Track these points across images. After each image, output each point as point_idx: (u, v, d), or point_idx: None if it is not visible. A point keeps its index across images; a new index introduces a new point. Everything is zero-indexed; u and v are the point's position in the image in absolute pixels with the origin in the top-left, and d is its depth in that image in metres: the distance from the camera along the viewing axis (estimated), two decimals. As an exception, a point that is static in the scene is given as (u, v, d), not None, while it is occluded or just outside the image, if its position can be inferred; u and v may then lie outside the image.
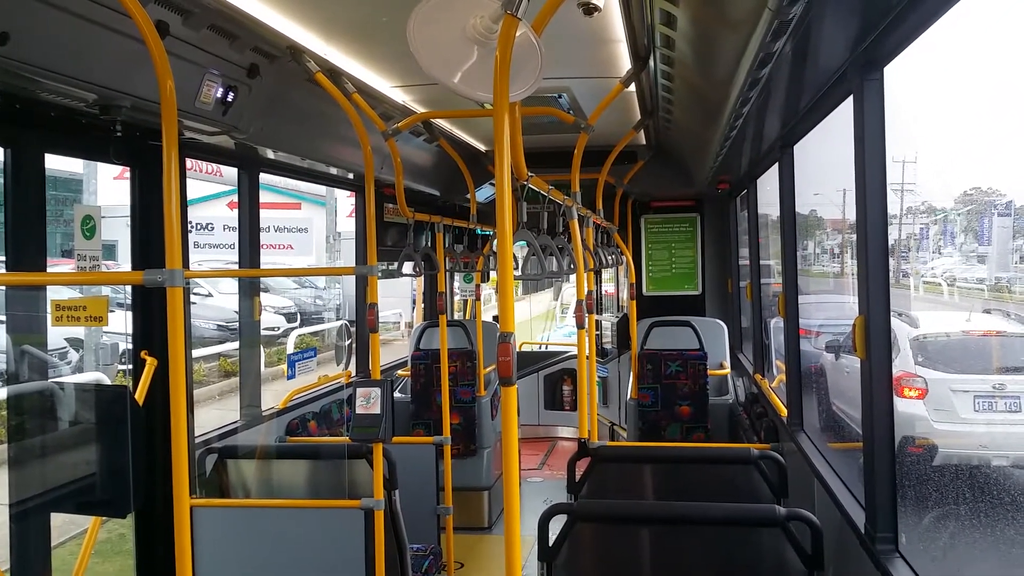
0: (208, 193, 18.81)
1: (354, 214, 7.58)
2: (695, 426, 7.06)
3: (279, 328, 18.21)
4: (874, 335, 3.04)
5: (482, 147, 7.31)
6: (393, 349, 15.34)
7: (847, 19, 2.81)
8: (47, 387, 3.74)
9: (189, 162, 4.83)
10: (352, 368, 6.96)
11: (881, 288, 3.02)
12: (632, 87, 4.70)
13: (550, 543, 3.13)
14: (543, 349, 12.66)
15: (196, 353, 14.16)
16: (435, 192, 7.54)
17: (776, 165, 5.00)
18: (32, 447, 3.77)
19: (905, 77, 2.99)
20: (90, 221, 3.80)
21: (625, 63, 4.39)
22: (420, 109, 5.40)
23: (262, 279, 11.98)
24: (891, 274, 3.10)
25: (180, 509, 2.77)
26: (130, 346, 4.38)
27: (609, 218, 7.71)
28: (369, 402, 3.71)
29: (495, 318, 9.61)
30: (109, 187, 10.68)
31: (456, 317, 10.46)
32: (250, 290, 5.43)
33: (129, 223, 4.34)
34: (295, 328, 18.05)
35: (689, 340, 7.15)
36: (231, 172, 5.21)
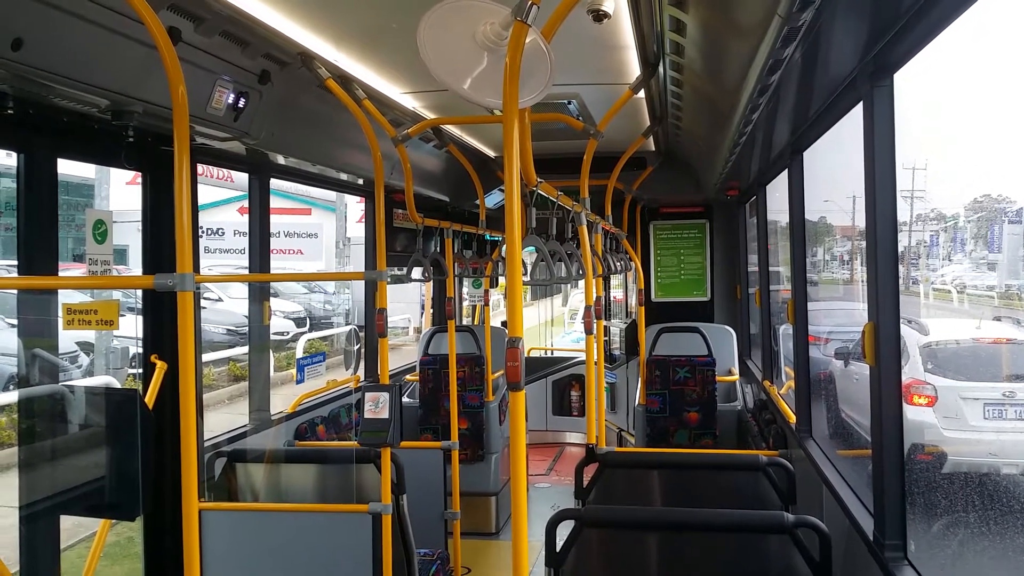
0: (219, 198, 18.89)
1: (364, 219, 7.59)
2: (703, 432, 7.04)
3: (289, 333, 18.26)
4: (883, 342, 3.03)
5: (491, 153, 7.33)
6: (402, 354, 15.36)
7: (857, 26, 2.81)
8: (58, 390, 3.76)
9: (200, 168, 4.85)
10: (361, 373, 6.97)
11: (891, 295, 3.02)
12: (641, 93, 4.71)
13: (557, 548, 3.13)
14: (552, 355, 12.66)
15: (206, 357, 14.19)
16: (444, 198, 7.55)
17: (785, 171, 5.00)
18: (42, 450, 3.79)
19: (916, 83, 2.99)
20: (102, 226, 3.83)
21: (634, 69, 4.39)
22: (430, 115, 5.42)
23: (272, 284, 12.01)
24: (900, 281, 3.09)
25: (189, 512, 2.78)
26: (140, 350, 4.40)
27: (618, 224, 7.71)
28: (378, 406, 3.72)
29: (504, 323, 9.62)
30: (121, 192, 10.73)
31: (465, 322, 10.47)
32: (260, 295, 5.45)
33: (140, 228, 4.36)
34: (304, 333, 18.09)
35: (698, 346, 7.13)
36: (242, 178, 5.23)
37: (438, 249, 6.93)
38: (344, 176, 5.99)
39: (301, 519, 4.00)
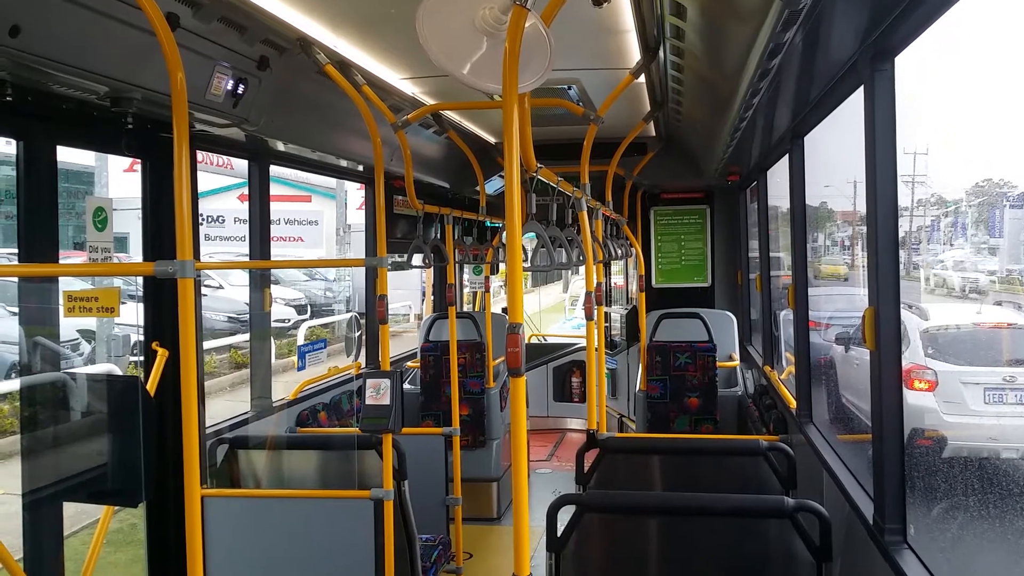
0: (219, 186, 18.88)
1: (364, 206, 7.59)
2: (704, 418, 7.05)
3: (290, 320, 18.26)
4: (884, 327, 3.03)
5: (491, 139, 7.31)
6: (403, 341, 15.36)
7: (857, 9, 2.80)
8: (59, 378, 3.77)
9: (200, 155, 4.84)
10: (362, 359, 6.98)
11: (891, 280, 3.01)
12: (642, 78, 4.70)
13: (558, 533, 3.14)
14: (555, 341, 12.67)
15: (207, 344, 14.21)
16: (445, 184, 7.54)
17: (786, 156, 4.99)
18: (45, 437, 3.80)
19: (917, 67, 2.98)
20: (102, 213, 3.82)
21: (635, 54, 4.38)
22: (429, 101, 5.40)
23: (272, 271, 12.01)
24: (901, 266, 3.09)
25: (191, 499, 2.79)
26: (142, 337, 4.41)
27: (618, 210, 7.70)
28: (379, 393, 3.73)
29: (504, 310, 9.63)
30: (120, 179, 10.72)
31: (465, 309, 10.48)
32: (261, 282, 5.45)
33: (140, 215, 4.36)
34: (305, 320, 18.10)
35: (698, 332, 7.14)
36: (241, 165, 5.23)
37: (438, 236, 6.93)
38: (344, 163, 5.98)
39: (303, 505, 4.02)
